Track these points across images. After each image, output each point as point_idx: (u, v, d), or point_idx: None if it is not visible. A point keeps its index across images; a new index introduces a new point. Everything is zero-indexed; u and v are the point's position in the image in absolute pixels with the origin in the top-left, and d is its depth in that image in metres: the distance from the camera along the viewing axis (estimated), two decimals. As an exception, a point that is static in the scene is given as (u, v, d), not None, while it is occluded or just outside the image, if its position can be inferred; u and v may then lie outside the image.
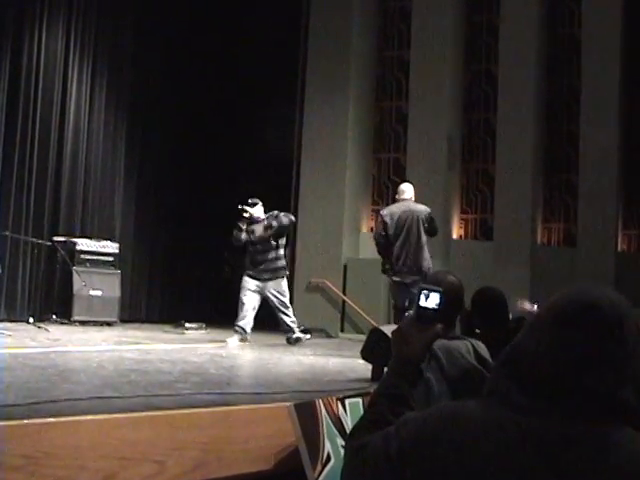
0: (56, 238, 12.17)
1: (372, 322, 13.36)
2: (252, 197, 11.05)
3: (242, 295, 10.38)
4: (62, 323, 11.63)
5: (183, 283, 14.96)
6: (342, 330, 14.01)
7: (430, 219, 9.53)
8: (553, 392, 1.65)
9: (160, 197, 14.56)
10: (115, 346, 8.94)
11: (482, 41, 14.72)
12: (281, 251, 10.75)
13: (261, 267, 10.46)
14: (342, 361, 8.58)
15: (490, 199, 14.26)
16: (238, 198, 16.10)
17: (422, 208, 9.58)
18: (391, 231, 9.32)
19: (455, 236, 14.46)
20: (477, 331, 4.85)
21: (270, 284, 10.44)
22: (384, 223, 9.40)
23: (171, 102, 14.67)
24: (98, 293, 12.00)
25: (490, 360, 3.04)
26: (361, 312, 13.67)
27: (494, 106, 14.33)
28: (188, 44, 14.77)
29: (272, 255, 10.55)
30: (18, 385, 5.20)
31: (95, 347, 8.57)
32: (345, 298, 14.05)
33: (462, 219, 14.58)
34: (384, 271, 9.75)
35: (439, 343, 2.85)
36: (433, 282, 2.93)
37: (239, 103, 15.65)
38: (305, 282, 14.29)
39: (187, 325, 12.19)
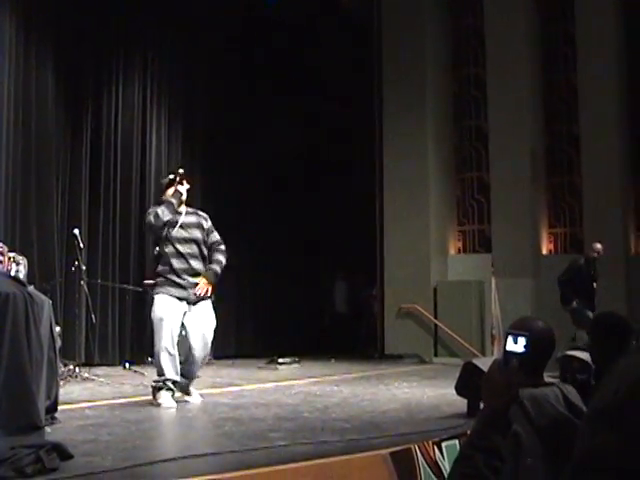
0: (146, 281, 12.31)
1: (465, 344, 13.21)
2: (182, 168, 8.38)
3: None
4: (156, 364, 11.74)
5: (272, 314, 15.03)
6: (436, 354, 13.82)
7: None
8: None
9: (242, 227, 14.63)
10: (210, 389, 8.97)
11: (559, 51, 14.41)
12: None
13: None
14: (437, 393, 8.46)
15: (579, 211, 13.91)
16: (324, 227, 16.24)
17: None
18: None
19: (545, 251, 14.15)
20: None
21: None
22: None
23: (244, 140, 14.82)
24: (191, 332, 12.06)
25: (583, 406, 2.87)
26: (454, 335, 13.48)
27: (575, 116, 14.00)
28: (257, 87, 14.94)
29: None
30: (115, 445, 5.25)
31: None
32: (437, 322, 13.86)
33: (551, 233, 14.25)
34: None
35: (526, 392, 2.73)
36: (520, 327, 2.82)
37: (319, 135, 15.85)
38: (395, 308, 14.19)
39: (280, 360, 12.15)
